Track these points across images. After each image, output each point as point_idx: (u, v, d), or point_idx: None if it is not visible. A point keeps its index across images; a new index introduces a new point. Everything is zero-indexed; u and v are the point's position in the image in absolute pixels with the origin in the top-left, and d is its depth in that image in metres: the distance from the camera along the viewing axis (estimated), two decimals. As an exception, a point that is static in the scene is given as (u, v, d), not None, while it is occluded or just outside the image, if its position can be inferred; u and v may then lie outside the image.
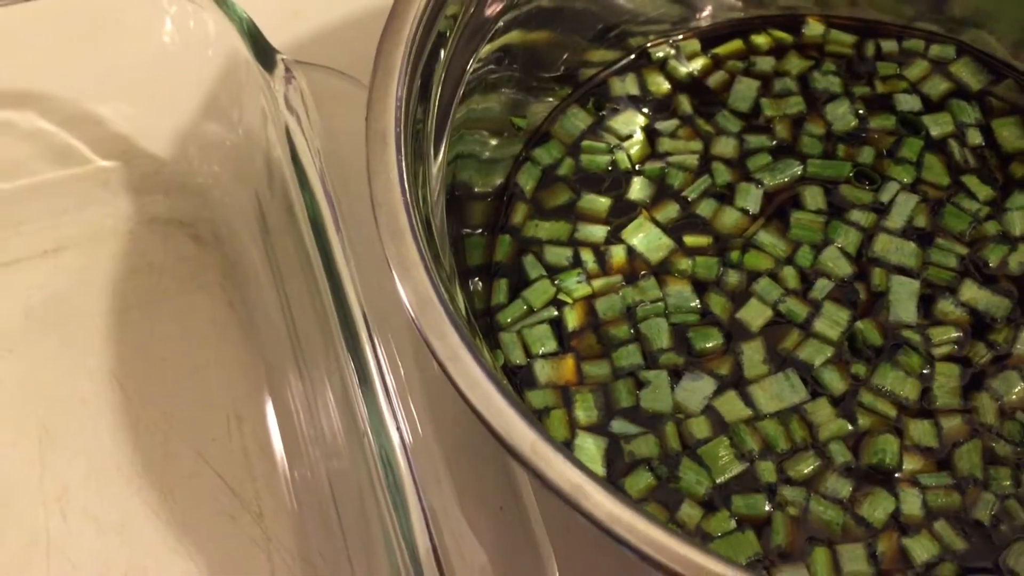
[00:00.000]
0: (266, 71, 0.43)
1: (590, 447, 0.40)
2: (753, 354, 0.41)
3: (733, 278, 0.43)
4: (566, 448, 0.29)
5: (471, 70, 0.42)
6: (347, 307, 0.40)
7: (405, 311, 0.31)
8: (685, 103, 0.48)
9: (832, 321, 0.42)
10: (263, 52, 0.43)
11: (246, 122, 0.48)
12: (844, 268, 0.43)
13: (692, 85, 0.49)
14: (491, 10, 0.42)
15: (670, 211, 0.45)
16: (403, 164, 0.33)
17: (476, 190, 0.44)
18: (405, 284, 0.31)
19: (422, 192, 0.35)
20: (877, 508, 0.38)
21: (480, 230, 0.44)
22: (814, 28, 0.50)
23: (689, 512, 0.38)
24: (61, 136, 0.51)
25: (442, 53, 0.39)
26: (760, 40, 0.50)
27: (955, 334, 0.42)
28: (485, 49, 0.43)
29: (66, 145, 0.51)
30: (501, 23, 0.43)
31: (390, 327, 0.40)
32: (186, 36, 0.47)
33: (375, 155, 0.33)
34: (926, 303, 0.42)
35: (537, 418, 0.40)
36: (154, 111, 0.50)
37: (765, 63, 0.49)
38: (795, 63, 0.49)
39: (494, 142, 0.46)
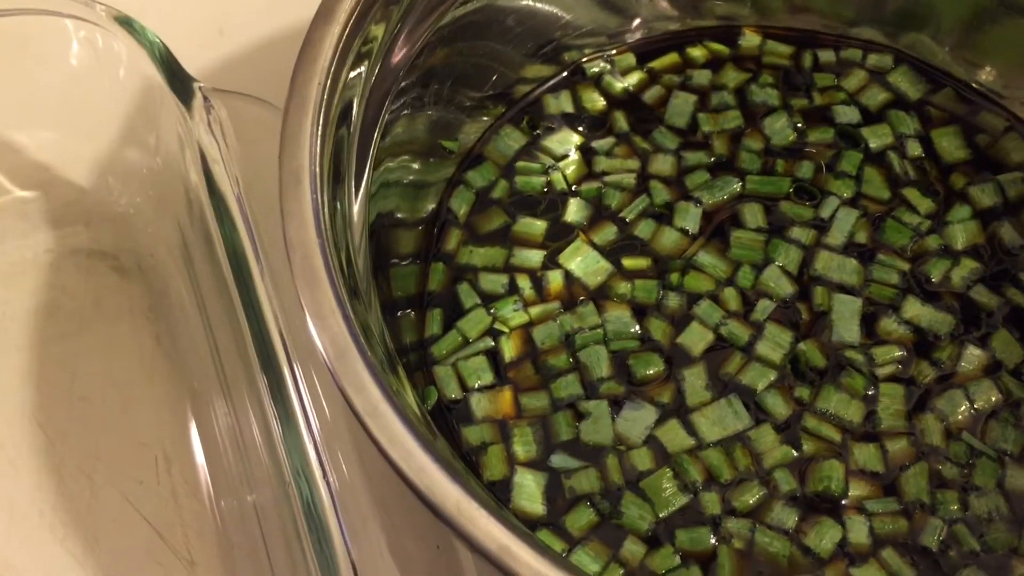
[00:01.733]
0: (182, 100, 0.41)
1: (529, 484, 0.38)
2: (695, 380, 0.40)
3: (673, 301, 0.42)
4: (495, 503, 0.28)
5: (394, 94, 0.40)
6: (268, 344, 0.38)
7: (322, 361, 0.29)
8: (621, 120, 0.47)
9: (774, 343, 0.41)
10: (179, 80, 0.41)
11: (164, 148, 0.46)
12: (785, 288, 0.42)
13: (628, 101, 0.48)
14: (414, 32, 0.41)
15: (608, 233, 0.44)
16: (319, 203, 0.31)
17: (404, 217, 0.43)
18: (321, 334, 0.29)
19: (342, 228, 0.34)
20: (824, 537, 0.37)
21: (411, 259, 0.43)
22: (750, 39, 0.49)
23: (632, 549, 0.37)
24: (-25, 166, 0.48)
25: (361, 79, 0.37)
26: (696, 53, 0.49)
27: (899, 353, 0.41)
28: (409, 71, 0.41)
29: (-19, 176, 0.49)
30: (426, 43, 0.42)
31: (314, 362, 0.39)
32: (98, 59, 0.45)
33: (289, 195, 0.31)
34: (869, 322, 0.42)
35: (474, 455, 0.39)
36: (71, 138, 0.48)
37: (702, 76, 0.48)
38: (732, 76, 0.48)
39: (420, 166, 0.44)
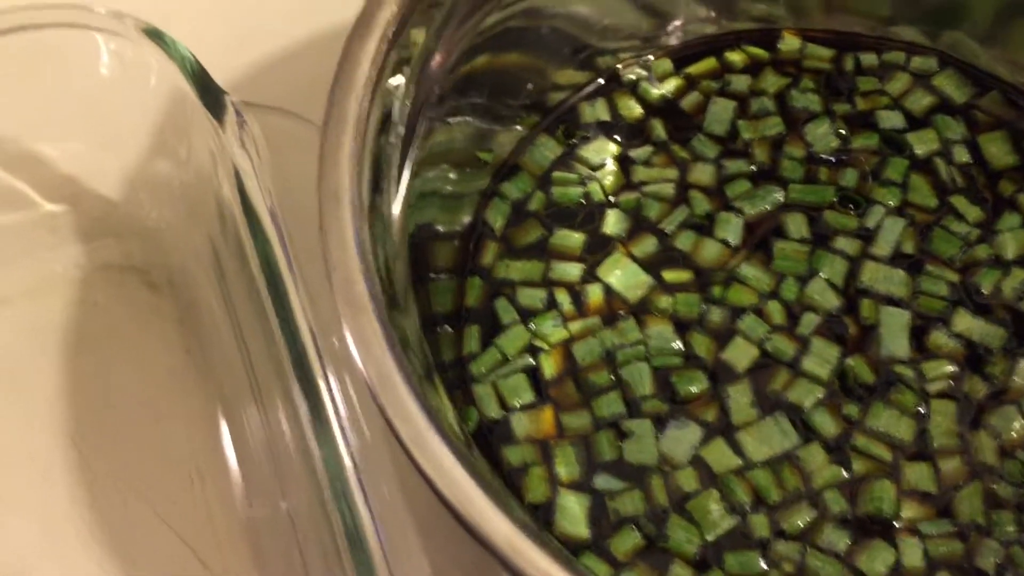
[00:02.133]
0: (214, 114, 0.40)
1: (573, 506, 0.37)
2: (740, 397, 0.39)
3: (716, 315, 0.41)
4: (545, 536, 0.27)
5: (433, 103, 0.39)
6: (305, 361, 0.38)
7: (367, 388, 0.28)
8: (659, 128, 0.46)
9: (821, 359, 0.40)
10: (210, 94, 0.41)
11: (195, 160, 0.45)
12: (831, 300, 0.41)
13: (665, 108, 0.47)
14: (453, 38, 0.40)
15: (647, 245, 0.43)
16: (359, 222, 0.31)
17: (441, 230, 0.42)
18: (366, 360, 0.28)
19: (382, 242, 0.33)
20: (876, 560, 0.36)
21: (448, 273, 0.42)
22: (790, 43, 0.48)
23: (680, 574, 0.36)
24: (5, 180, 0.48)
25: (401, 89, 0.37)
26: (734, 57, 0.48)
27: (950, 368, 0.40)
28: (448, 79, 0.40)
29: (11, 189, 0.48)
30: (464, 50, 0.41)
31: (351, 376, 0.38)
32: (128, 71, 0.45)
33: (328, 215, 0.30)
34: (918, 335, 0.41)
35: (516, 477, 0.38)
36: (101, 151, 0.48)
37: (740, 82, 0.47)
38: (772, 81, 0.47)
39: (458, 177, 0.43)
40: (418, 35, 0.37)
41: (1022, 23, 0.45)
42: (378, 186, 0.35)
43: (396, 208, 0.36)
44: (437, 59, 0.39)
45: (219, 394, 0.45)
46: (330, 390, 0.37)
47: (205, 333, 0.46)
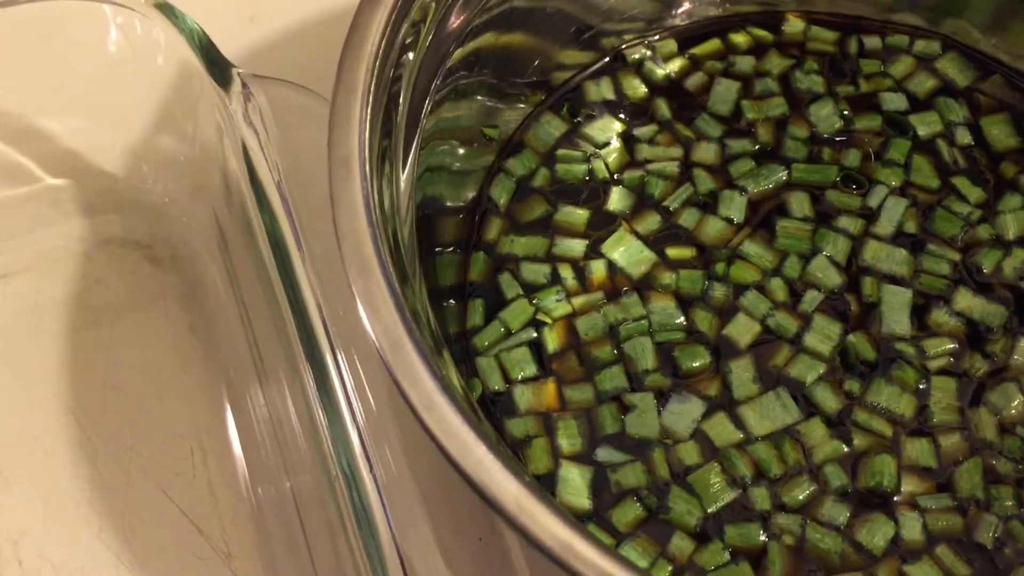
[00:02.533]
0: (221, 87, 0.40)
1: (575, 478, 0.38)
2: (742, 373, 0.40)
3: (719, 292, 0.41)
4: (552, 498, 0.27)
5: (441, 79, 0.40)
6: (312, 332, 0.38)
7: (376, 352, 0.28)
8: (663, 107, 0.46)
9: (823, 335, 0.40)
10: (217, 66, 0.41)
11: (201, 136, 0.45)
12: (834, 278, 0.42)
13: (670, 88, 0.47)
14: (460, 15, 0.40)
15: (651, 222, 0.43)
16: (368, 191, 0.31)
17: (447, 204, 0.42)
18: (375, 325, 0.28)
19: (390, 213, 0.33)
20: (876, 534, 0.37)
21: (453, 248, 0.42)
22: (794, 25, 0.48)
23: (680, 545, 0.36)
24: (8, 154, 0.48)
25: (409, 63, 0.37)
26: (739, 39, 0.48)
27: (950, 346, 0.40)
28: (455, 56, 0.40)
29: (13, 163, 0.48)
30: (471, 27, 0.41)
31: (358, 350, 0.38)
32: (134, 45, 0.45)
33: (338, 184, 0.30)
34: (919, 313, 0.41)
35: (518, 448, 0.38)
36: (105, 125, 0.48)
37: (745, 63, 0.47)
38: (776, 62, 0.47)
39: (464, 152, 0.43)
40: (424, 13, 0.37)
41: (1021, 17, 0.45)
42: (386, 159, 0.35)
43: (404, 182, 0.36)
44: (444, 36, 0.39)
45: (222, 370, 0.45)
46: (337, 366, 0.37)
47: (209, 309, 0.46)
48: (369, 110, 0.32)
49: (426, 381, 0.28)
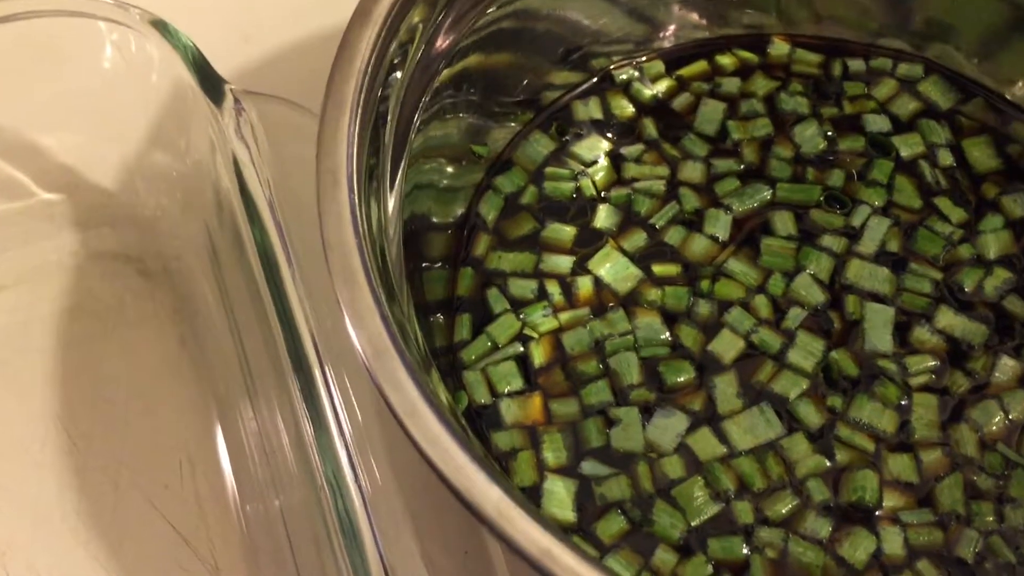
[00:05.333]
0: (214, 102, 0.41)
1: (560, 491, 0.38)
2: (726, 388, 0.40)
3: (704, 308, 0.42)
4: (533, 505, 0.27)
5: (429, 97, 0.40)
6: (300, 347, 0.38)
7: (360, 361, 0.29)
8: (650, 127, 0.47)
9: (806, 351, 0.41)
10: (210, 82, 0.41)
11: (194, 151, 0.46)
12: (817, 296, 0.42)
13: (657, 108, 0.48)
14: (448, 35, 0.40)
15: (637, 239, 0.44)
16: (356, 203, 0.31)
17: (435, 221, 0.43)
18: (359, 333, 0.29)
19: (377, 228, 0.34)
20: (858, 548, 0.37)
21: (441, 263, 0.43)
22: (779, 48, 0.49)
23: (664, 558, 0.37)
24: (3, 168, 0.49)
25: (397, 81, 0.37)
26: (725, 61, 0.49)
27: (932, 363, 0.40)
28: (443, 75, 0.41)
29: (8, 178, 0.49)
30: (459, 47, 0.42)
31: (346, 366, 0.38)
32: (129, 62, 0.45)
33: (326, 194, 0.31)
34: (902, 331, 0.41)
35: (504, 461, 0.39)
36: (99, 141, 0.48)
37: (731, 84, 0.48)
38: (761, 84, 0.48)
39: (453, 170, 0.44)
40: (413, 32, 0.38)
41: (1011, 43, 0.46)
42: (373, 176, 0.35)
43: (391, 199, 0.37)
44: (433, 55, 0.40)
45: (212, 384, 0.45)
46: (325, 378, 0.38)
47: (200, 323, 0.47)
48: (357, 126, 0.33)
49: (409, 389, 0.28)
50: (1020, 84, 0.47)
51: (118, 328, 0.47)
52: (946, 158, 0.46)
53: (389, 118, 0.36)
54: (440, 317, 0.42)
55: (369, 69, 0.34)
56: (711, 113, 0.47)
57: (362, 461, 0.36)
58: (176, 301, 0.47)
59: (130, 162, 0.48)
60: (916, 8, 0.48)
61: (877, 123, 0.47)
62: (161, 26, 0.41)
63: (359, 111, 0.33)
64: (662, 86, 0.48)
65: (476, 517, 0.27)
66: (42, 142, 0.48)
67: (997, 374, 0.40)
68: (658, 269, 0.43)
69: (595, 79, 0.48)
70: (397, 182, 0.38)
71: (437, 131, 0.42)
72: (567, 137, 0.47)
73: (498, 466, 0.38)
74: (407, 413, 0.28)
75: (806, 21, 0.50)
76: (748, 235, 0.44)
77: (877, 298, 0.42)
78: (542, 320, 0.42)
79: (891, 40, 0.49)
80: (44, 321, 0.47)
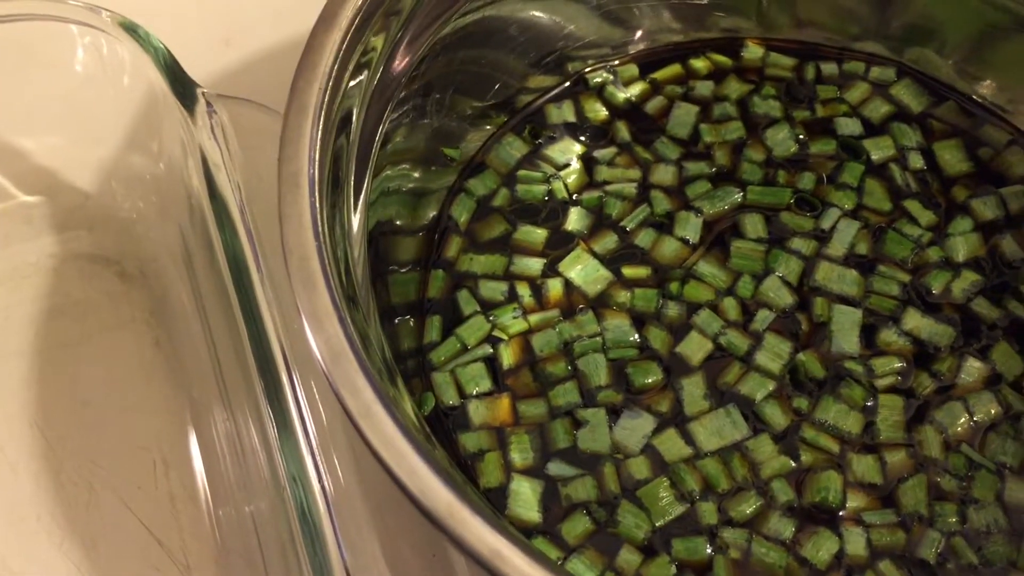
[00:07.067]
0: (185, 105, 0.41)
1: (526, 491, 0.38)
2: (693, 389, 0.40)
3: (673, 310, 0.42)
4: (487, 507, 0.28)
5: (396, 102, 0.40)
6: (267, 350, 0.38)
7: (317, 364, 0.29)
8: (623, 130, 0.47)
9: (773, 353, 0.41)
10: (182, 85, 0.41)
11: (167, 154, 0.46)
12: (785, 298, 0.42)
13: (630, 111, 0.48)
14: (415, 40, 0.41)
15: (608, 242, 0.44)
16: (317, 207, 0.31)
17: (405, 225, 0.43)
18: (317, 336, 0.29)
19: (340, 233, 0.34)
20: (821, 548, 0.37)
21: (411, 266, 0.43)
22: (753, 51, 0.49)
23: (628, 558, 0.37)
24: (-20, 171, 0.49)
25: (363, 85, 0.38)
26: (699, 64, 0.49)
27: (898, 365, 0.41)
28: (410, 79, 0.41)
29: (-14, 180, 0.49)
30: (426, 52, 0.42)
31: (312, 370, 0.39)
32: (103, 66, 0.46)
33: (287, 199, 0.31)
34: (869, 333, 0.42)
35: (471, 462, 0.39)
36: (76, 144, 0.49)
37: (704, 88, 0.48)
38: (734, 87, 0.48)
39: (423, 174, 0.44)
40: (378, 39, 0.38)
41: (1000, 45, 0.46)
42: (337, 182, 0.35)
43: (356, 205, 0.37)
44: (398, 61, 0.40)
45: (186, 385, 0.45)
46: (292, 382, 0.38)
47: (175, 325, 0.47)
48: (320, 130, 0.33)
49: (364, 391, 0.28)
50: (992, 84, 0.47)
51: (95, 330, 0.47)
52: (917, 161, 0.46)
53: (353, 124, 0.36)
54: (409, 319, 0.42)
55: (333, 74, 0.35)
56: (684, 116, 0.47)
57: (326, 462, 0.36)
58: (152, 303, 0.47)
59: (107, 165, 0.49)
60: (898, 12, 0.48)
61: (849, 126, 0.47)
62: (132, 29, 0.42)
63: (322, 115, 0.33)
64: (636, 89, 0.48)
65: (427, 518, 0.27)
66: (20, 145, 0.49)
67: (963, 376, 0.41)
68: (628, 271, 0.43)
69: (568, 83, 0.49)
70: (363, 189, 0.38)
71: (403, 136, 0.42)
72: (540, 140, 0.47)
73: (464, 467, 0.39)
74: (362, 415, 0.28)
75: (786, 26, 0.50)
76: (718, 237, 0.44)
77: (845, 300, 0.42)
78: (512, 322, 0.42)
79: (869, 44, 0.49)
80: (21, 322, 0.47)
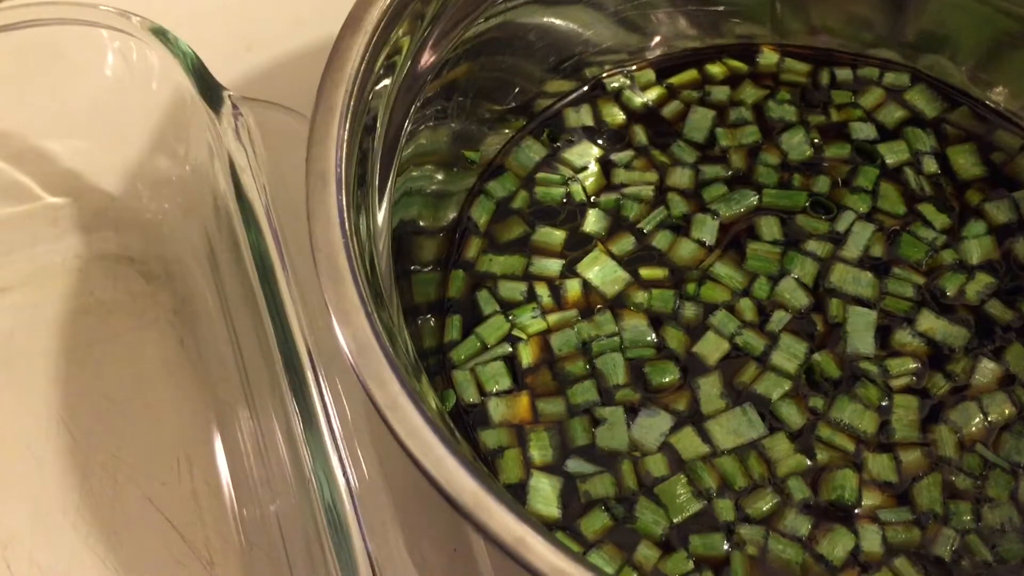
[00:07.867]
0: (212, 108, 0.42)
1: (545, 488, 0.39)
2: (710, 389, 0.41)
3: (690, 311, 0.43)
4: (511, 497, 0.28)
5: (419, 104, 0.41)
6: (292, 347, 0.39)
7: (344, 357, 0.30)
8: (640, 134, 0.48)
9: (789, 354, 0.41)
10: (209, 89, 0.42)
11: (193, 156, 0.47)
12: (801, 299, 0.43)
13: (647, 115, 0.49)
14: (438, 44, 0.42)
15: (625, 243, 0.45)
16: (344, 204, 0.32)
17: (426, 225, 0.44)
18: (344, 329, 0.30)
19: (366, 234, 0.35)
20: (836, 545, 0.38)
21: (432, 266, 0.44)
22: (769, 57, 0.50)
23: (646, 553, 0.37)
24: (9, 173, 0.50)
25: (388, 87, 0.38)
26: (715, 70, 0.50)
27: (913, 365, 0.41)
28: (433, 84, 0.42)
29: (14, 182, 0.50)
30: (450, 56, 0.43)
31: (337, 367, 0.39)
32: (131, 69, 0.47)
33: (315, 196, 0.32)
34: (883, 334, 0.42)
35: (491, 459, 0.40)
36: (102, 146, 0.49)
37: (720, 92, 0.49)
38: (750, 92, 0.49)
39: (444, 176, 0.45)
40: (403, 42, 0.39)
41: (1013, 53, 0.47)
42: (363, 182, 0.36)
43: (381, 205, 0.38)
44: (422, 64, 0.41)
45: (210, 384, 0.46)
46: (317, 380, 0.38)
47: (199, 325, 0.48)
48: (347, 130, 0.34)
49: (391, 383, 0.29)
50: (1005, 91, 0.48)
51: (120, 329, 0.48)
52: (931, 165, 0.47)
53: (379, 125, 0.37)
54: (430, 318, 0.43)
55: (359, 75, 0.35)
56: (700, 120, 0.48)
57: (350, 457, 0.37)
58: (176, 303, 0.48)
59: (132, 167, 0.49)
60: (912, 20, 0.49)
61: (863, 131, 0.47)
62: (161, 34, 0.43)
63: (349, 116, 0.34)
64: (653, 94, 0.49)
65: (453, 507, 0.27)
66: (47, 147, 0.50)
67: (977, 376, 0.41)
68: (645, 272, 0.44)
69: (587, 87, 0.49)
70: (388, 188, 0.39)
71: (426, 138, 0.43)
72: (558, 143, 0.48)
73: (485, 464, 0.39)
74: (389, 407, 0.29)
75: (800, 32, 0.51)
76: (734, 240, 0.45)
77: (860, 302, 0.43)
78: (531, 321, 0.42)
79: (883, 51, 0.50)
80: (48, 322, 0.48)
